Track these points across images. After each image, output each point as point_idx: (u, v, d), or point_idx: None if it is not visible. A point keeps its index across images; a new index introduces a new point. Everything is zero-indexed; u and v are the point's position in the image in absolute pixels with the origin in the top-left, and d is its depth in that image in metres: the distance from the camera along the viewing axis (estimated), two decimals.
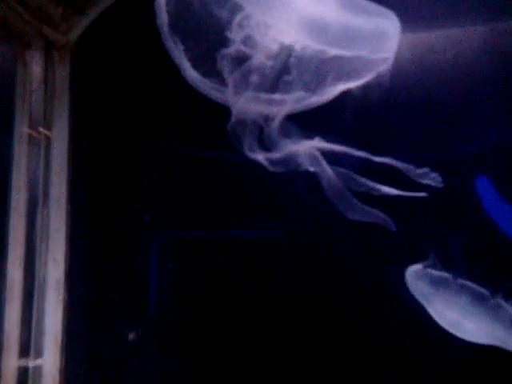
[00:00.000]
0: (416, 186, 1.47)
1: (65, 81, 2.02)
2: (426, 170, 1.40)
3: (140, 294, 1.94)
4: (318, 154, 1.35)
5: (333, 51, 1.24)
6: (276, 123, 1.32)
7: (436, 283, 1.53)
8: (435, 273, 1.53)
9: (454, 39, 1.87)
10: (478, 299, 1.48)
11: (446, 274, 1.53)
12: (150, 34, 1.48)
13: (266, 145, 1.35)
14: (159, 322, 1.97)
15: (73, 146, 1.98)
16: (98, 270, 1.93)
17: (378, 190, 1.39)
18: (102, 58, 2.07)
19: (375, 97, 1.86)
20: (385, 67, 1.39)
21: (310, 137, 1.38)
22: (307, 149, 1.36)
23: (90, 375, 1.87)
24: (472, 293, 1.49)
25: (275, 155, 1.36)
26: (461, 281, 1.51)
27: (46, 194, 1.95)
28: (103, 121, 2.04)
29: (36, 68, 2.00)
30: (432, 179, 1.40)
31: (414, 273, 1.55)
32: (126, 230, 1.93)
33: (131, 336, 1.90)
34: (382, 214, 1.38)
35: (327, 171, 1.34)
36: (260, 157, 1.35)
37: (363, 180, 1.38)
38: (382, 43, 1.32)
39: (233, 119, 1.32)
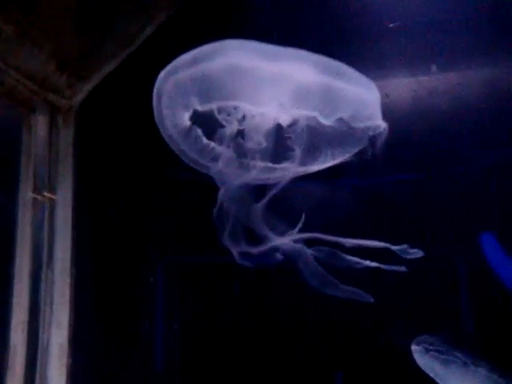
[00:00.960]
0: None
1: (69, 144, 2.06)
2: (404, 246, 1.43)
3: (146, 358, 1.92)
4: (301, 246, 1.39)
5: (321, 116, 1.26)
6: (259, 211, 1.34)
7: (444, 362, 1.51)
8: (442, 356, 1.51)
9: (455, 82, 1.90)
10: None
11: (452, 356, 1.51)
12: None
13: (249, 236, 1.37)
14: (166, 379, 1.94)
15: (77, 209, 2.00)
16: (102, 333, 1.91)
17: (360, 263, 1.41)
18: (105, 120, 2.11)
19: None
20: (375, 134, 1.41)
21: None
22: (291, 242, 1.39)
23: None
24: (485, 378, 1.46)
25: (257, 248, 1.38)
26: (471, 365, 1.48)
27: (51, 258, 1.96)
28: (106, 183, 2.06)
29: (41, 132, 2.04)
30: (412, 254, 1.43)
31: (419, 349, 1.54)
32: (132, 292, 1.93)
33: None
34: (358, 291, 1.41)
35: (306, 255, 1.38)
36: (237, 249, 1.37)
37: (344, 255, 1.42)
38: (363, 109, 1.34)
39: (221, 200, 1.35)
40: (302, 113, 1.28)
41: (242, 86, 1.24)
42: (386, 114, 1.93)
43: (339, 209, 1.91)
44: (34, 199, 1.98)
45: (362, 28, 1.96)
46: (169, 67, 1.33)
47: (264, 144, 1.29)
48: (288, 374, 1.89)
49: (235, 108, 1.27)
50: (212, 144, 1.34)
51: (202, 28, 2.01)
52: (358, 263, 1.41)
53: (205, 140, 1.37)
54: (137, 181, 2.05)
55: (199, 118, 1.33)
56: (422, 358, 1.53)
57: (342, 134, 1.33)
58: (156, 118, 1.39)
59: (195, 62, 1.26)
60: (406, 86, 1.94)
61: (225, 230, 1.35)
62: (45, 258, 1.95)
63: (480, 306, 1.81)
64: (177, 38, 2.05)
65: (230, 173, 1.32)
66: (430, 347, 1.53)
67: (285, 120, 1.28)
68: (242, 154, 1.33)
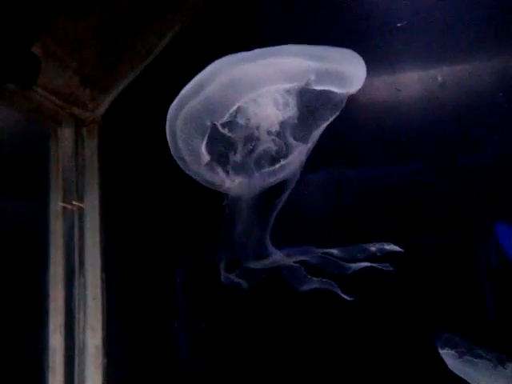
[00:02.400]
0: None
1: (94, 154, 2.15)
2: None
3: (173, 354, 2.01)
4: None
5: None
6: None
7: (473, 363, 1.52)
8: (469, 357, 1.52)
9: (465, 74, 1.91)
10: None
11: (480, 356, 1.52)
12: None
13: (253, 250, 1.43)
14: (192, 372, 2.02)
15: (104, 216, 2.10)
16: (133, 333, 2.01)
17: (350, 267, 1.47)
18: (127, 130, 2.19)
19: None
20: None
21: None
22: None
23: None
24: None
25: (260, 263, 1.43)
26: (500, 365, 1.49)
27: (82, 264, 2.06)
28: (131, 190, 2.15)
29: (67, 144, 2.14)
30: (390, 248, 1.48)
31: (448, 354, 1.55)
32: (159, 293, 2.02)
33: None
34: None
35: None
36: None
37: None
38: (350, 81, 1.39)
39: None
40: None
41: (239, 92, 1.29)
42: (398, 108, 1.98)
43: (351, 199, 1.94)
44: (64, 208, 2.09)
45: (372, 27, 1.99)
46: (175, 103, 1.39)
47: (272, 139, 1.35)
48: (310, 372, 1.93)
49: (236, 112, 1.33)
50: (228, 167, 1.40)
51: (217, 37, 2.07)
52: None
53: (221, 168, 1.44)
54: (159, 187, 2.13)
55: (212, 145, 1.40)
56: (451, 359, 1.55)
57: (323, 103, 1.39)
58: (173, 153, 1.46)
59: (198, 89, 1.31)
60: (417, 80, 1.96)
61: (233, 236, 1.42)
62: (76, 265, 2.06)
63: (502, 299, 1.83)
64: (192, 48, 2.11)
65: (245, 186, 1.38)
66: (457, 349, 1.54)
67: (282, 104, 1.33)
68: (254, 161, 1.39)
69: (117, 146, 2.20)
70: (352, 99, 2.01)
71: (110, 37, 1.95)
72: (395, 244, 1.55)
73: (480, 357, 1.51)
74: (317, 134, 1.46)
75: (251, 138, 1.38)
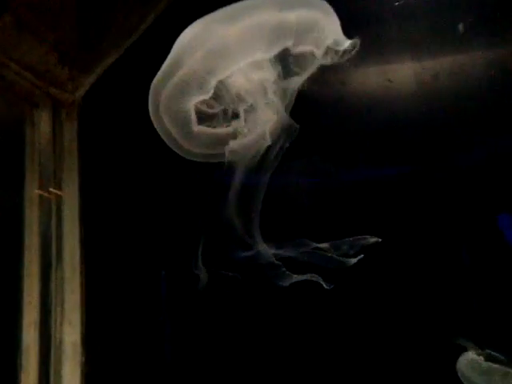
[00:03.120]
0: None
1: (73, 139, 2.02)
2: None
3: (157, 354, 1.89)
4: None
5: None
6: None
7: (488, 373, 1.46)
8: (485, 364, 1.46)
9: (459, 65, 1.86)
10: None
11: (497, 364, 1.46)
12: None
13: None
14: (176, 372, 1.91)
15: (84, 205, 1.97)
16: (115, 330, 1.88)
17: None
18: (108, 113, 2.06)
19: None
20: None
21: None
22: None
23: None
24: None
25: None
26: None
27: (60, 255, 1.92)
28: (113, 176, 2.02)
29: (44, 127, 2.01)
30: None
31: (465, 362, 1.48)
32: (143, 287, 1.90)
33: None
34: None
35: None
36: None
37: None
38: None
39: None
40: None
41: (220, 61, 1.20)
42: (389, 99, 1.90)
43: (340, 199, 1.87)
44: (41, 196, 1.95)
45: (363, 13, 1.91)
46: (155, 81, 1.29)
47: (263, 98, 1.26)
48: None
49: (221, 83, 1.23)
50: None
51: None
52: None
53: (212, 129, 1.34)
54: (143, 173, 2.00)
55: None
56: (464, 367, 1.49)
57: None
58: (157, 128, 1.35)
59: (177, 66, 1.21)
60: (410, 70, 1.89)
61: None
62: (54, 256, 1.92)
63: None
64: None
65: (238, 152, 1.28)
66: (471, 356, 1.48)
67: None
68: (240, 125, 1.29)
69: (97, 131, 2.07)
70: (343, 90, 1.94)
71: (90, 11, 1.82)
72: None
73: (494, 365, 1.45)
74: (295, 87, 1.36)
75: (234, 104, 1.29)
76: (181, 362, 1.91)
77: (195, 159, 1.37)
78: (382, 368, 1.77)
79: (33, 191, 1.95)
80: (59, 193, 1.97)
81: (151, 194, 1.98)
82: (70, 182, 1.99)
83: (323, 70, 2.06)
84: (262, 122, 1.28)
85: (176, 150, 1.35)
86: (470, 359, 1.50)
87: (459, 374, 1.53)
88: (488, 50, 1.85)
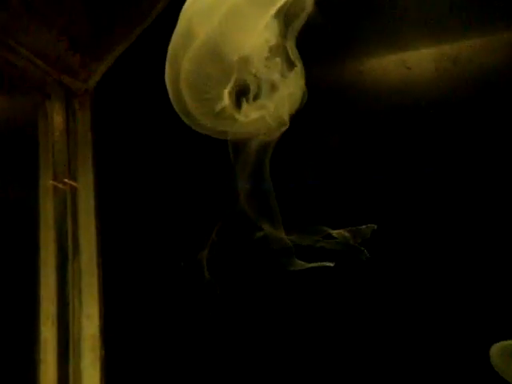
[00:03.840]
0: None
1: (87, 128, 1.98)
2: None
3: (178, 346, 1.84)
4: None
5: None
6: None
7: None
8: None
9: (479, 49, 1.79)
10: None
11: None
12: None
13: None
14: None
15: (99, 196, 1.93)
16: (134, 322, 1.84)
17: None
18: (121, 102, 2.02)
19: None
20: None
21: None
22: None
23: None
24: None
25: None
26: None
27: (76, 247, 1.89)
28: (128, 166, 1.98)
29: (57, 118, 1.97)
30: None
31: (500, 349, 1.41)
32: (162, 277, 1.85)
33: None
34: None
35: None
36: None
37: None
38: None
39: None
40: None
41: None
42: (408, 88, 1.84)
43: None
44: (55, 187, 1.91)
45: (380, 3, 1.85)
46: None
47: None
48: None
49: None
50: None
51: None
52: None
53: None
54: (159, 164, 1.95)
55: None
56: (497, 357, 1.42)
57: None
58: (179, 110, 1.30)
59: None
60: (428, 56, 1.83)
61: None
62: (70, 249, 1.88)
63: None
64: None
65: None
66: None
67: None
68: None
69: (111, 120, 2.02)
70: (359, 78, 1.88)
71: None
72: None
73: None
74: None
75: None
76: (202, 357, 1.85)
77: (212, 135, 1.32)
78: (407, 356, 1.70)
79: (47, 183, 1.91)
80: (74, 184, 1.94)
81: (168, 183, 1.92)
82: (85, 172, 1.95)
83: (340, 58, 2.01)
84: (279, 96, 1.22)
85: (192, 125, 1.30)
86: (503, 347, 1.43)
87: (493, 364, 1.46)
88: (507, 33, 1.78)
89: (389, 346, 1.70)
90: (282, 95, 1.22)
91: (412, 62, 1.83)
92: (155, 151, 1.97)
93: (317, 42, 1.81)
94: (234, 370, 1.78)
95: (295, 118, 1.82)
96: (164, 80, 1.51)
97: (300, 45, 1.36)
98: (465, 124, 1.75)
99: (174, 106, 1.29)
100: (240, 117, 1.21)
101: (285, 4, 1.12)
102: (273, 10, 1.10)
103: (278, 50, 1.20)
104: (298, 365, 1.75)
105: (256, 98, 1.24)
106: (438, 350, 1.66)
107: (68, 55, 1.80)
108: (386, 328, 1.71)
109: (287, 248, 1.37)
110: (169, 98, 2.02)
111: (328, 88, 1.88)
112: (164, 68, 1.46)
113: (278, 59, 1.19)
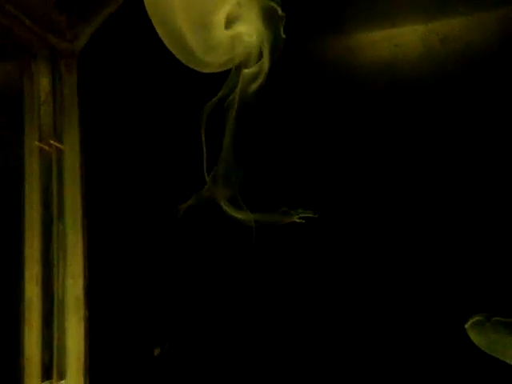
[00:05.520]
0: None
1: (73, 91, 1.96)
2: None
3: (165, 306, 1.85)
4: None
5: None
6: None
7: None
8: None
9: (467, 27, 1.79)
10: None
11: None
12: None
13: None
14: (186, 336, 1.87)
15: (85, 158, 1.92)
16: (119, 283, 1.85)
17: None
18: (108, 65, 2.00)
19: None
20: None
21: None
22: None
23: None
24: None
25: None
26: None
27: (61, 209, 1.88)
28: (114, 129, 1.97)
29: (43, 79, 1.94)
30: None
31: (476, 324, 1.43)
32: (147, 240, 1.85)
33: (157, 352, 1.82)
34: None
35: None
36: None
37: None
38: None
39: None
40: None
41: None
42: (396, 66, 1.84)
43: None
44: (41, 149, 1.90)
45: None
46: None
47: None
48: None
49: None
50: None
51: None
52: None
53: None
54: (146, 126, 1.95)
55: None
56: (481, 331, 1.44)
57: None
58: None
59: None
60: (416, 34, 1.83)
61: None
62: (55, 210, 1.88)
63: None
64: None
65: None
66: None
67: None
68: None
69: (98, 83, 2.00)
70: (347, 54, 1.88)
71: None
72: None
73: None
74: None
75: None
76: (183, 310, 1.87)
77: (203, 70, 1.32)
78: (390, 328, 1.73)
79: (33, 144, 1.90)
80: (60, 146, 1.93)
81: (153, 144, 1.92)
82: (71, 135, 1.93)
83: (328, 33, 2.00)
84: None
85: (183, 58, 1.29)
86: (476, 323, 1.46)
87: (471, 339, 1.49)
88: (496, 9, 1.78)
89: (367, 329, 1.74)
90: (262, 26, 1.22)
91: (399, 39, 1.82)
92: (141, 113, 1.96)
93: (305, 17, 1.81)
94: (220, 330, 1.81)
95: (281, 91, 1.83)
96: (151, 43, 1.51)
97: (289, 19, 1.36)
98: (452, 101, 1.76)
99: (174, 48, 1.29)
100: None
101: None
102: None
103: None
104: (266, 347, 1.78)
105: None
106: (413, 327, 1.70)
107: (54, 13, 1.78)
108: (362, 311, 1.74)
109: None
110: (155, 61, 2.02)
111: (315, 62, 1.88)
112: (153, 30, 1.45)
113: None
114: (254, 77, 1.28)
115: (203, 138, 1.37)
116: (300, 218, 1.50)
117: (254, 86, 1.29)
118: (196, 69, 1.40)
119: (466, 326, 1.46)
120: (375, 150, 1.80)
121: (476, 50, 1.76)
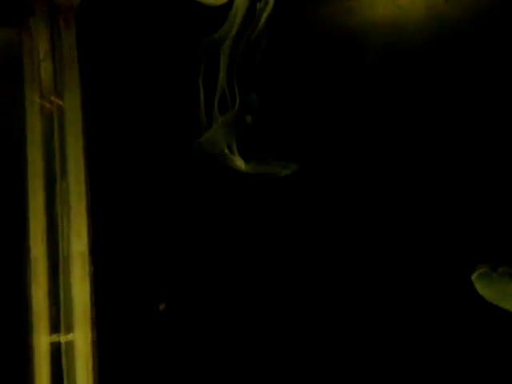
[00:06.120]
0: None
1: (72, 47, 1.92)
2: None
3: (169, 261, 1.86)
4: None
5: None
6: None
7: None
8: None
9: None
10: None
11: None
12: None
13: None
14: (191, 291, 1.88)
15: (87, 115, 1.90)
16: (122, 239, 1.85)
17: None
18: (107, 20, 1.97)
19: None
20: None
21: None
22: None
23: (124, 347, 1.81)
24: None
25: None
26: None
27: (63, 166, 1.87)
28: (116, 85, 1.94)
29: (42, 36, 1.92)
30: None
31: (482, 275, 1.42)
32: (150, 195, 1.85)
33: (162, 307, 1.83)
34: None
35: None
36: None
37: None
38: None
39: None
40: None
41: None
42: (398, 28, 1.78)
43: None
44: (42, 106, 1.89)
45: None
46: None
47: None
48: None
49: None
50: None
51: None
52: None
53: None
54: (148, 82, 1.92)
55: None
56: (488, 281, 1.43)
57: None
58: None
59: None
60: None
61: None
62: (58, 167, 1.87)
63: None
64: None
65: None
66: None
67: None
68: None
69: (98, 38, 1.97)
70: (349, 18, 1.82)
71: None
72: None
73: None
74: None
75: None
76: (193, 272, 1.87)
77: None
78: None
79: (34, 101, 1.88)
80: (61, 103, 1.91)
81: (157, 102, 1.90)
82: (72, 92, 1.91)
83: None
84: None
85: None
86: (482, 273, 1.44)
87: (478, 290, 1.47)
88: None
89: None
90: None
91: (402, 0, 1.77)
92: (142, 70, 1.93)
93: None
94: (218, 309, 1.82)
95: (281, 51, 1.79)
96: None
97: None
98: (457, 63, 1.71)
99: None
100: None
101: None
102: None
103: None
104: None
105: None
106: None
107: None
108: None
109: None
110: (156, 17, 1.98)
111: (316, 24, 1.84)
112: None
113: None
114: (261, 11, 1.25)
115: (201, 84, 1.34)
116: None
117: (262, 20, 1.26)
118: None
119: (473, 277, 1.45)
120: (375, 113, 1.77)
121: (480, 10, 1.71)
